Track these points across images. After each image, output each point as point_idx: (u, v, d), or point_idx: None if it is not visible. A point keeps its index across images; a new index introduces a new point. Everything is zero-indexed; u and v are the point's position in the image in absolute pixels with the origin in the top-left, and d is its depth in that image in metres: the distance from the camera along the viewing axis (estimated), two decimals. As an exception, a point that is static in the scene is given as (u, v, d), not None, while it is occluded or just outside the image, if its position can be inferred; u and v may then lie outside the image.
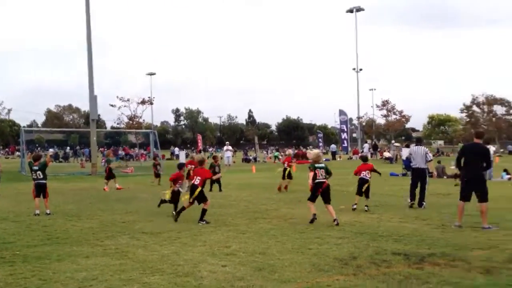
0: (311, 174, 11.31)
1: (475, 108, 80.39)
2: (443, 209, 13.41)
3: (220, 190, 19.48)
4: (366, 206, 13.52)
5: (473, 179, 10.79)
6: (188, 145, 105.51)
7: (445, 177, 26.29)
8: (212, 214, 12.50)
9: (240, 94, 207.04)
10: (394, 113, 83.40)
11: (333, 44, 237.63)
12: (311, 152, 12.45)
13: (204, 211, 11.59)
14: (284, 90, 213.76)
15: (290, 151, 28.32)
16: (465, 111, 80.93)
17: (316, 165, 11.40)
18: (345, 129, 58.91)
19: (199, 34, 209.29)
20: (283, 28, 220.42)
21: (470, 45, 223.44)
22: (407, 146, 33.34)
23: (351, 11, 58.18)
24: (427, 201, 14.13)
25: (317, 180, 11.29)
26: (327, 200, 11.34)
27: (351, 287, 6.28)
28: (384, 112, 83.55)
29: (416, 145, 14.78)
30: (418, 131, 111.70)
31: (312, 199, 11.40)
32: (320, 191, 11.28)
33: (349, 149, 61.41)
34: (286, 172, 19.55)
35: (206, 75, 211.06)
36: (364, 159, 15.10)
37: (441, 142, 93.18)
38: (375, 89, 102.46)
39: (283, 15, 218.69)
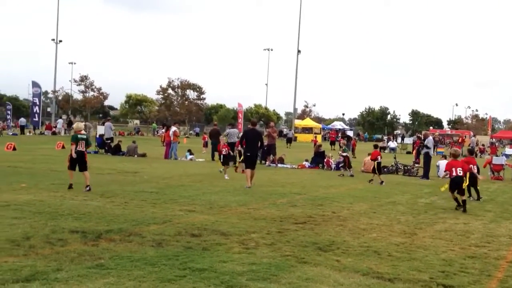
0: (73, 146, 12.76)
1: (170, 91, 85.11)
2: (127, 187, 13.86)
3: None
4: None
5: (253, 155, 15.72)
6: None
7: (136, 156, 27.19)
8: None
9: None
10: (92, 90, 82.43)
11: (31, 11, 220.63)
12: (74, 124, 14.40)
13: None
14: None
15: None
16: (161, 93, 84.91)
17: (79, 136, 12.94)
18: (38, 103, 55.23)
19: None
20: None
21: (170, 30, 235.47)
22: (103, 124, 33.36)
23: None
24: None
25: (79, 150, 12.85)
26: (83, 168, 12.93)
27: (20, 268, 5.95)
28: (82, 87, 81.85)
29: (232, 128, 24.38)
30: (115, 109, 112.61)
31: (71, 167, 12.95)
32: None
33: (41, 123, 58.04)
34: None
35: None
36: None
37: (137, 121, 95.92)
38: (75, 63, 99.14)
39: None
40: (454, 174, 12.85)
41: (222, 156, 18.09)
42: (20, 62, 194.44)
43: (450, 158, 13.72)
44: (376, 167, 18.26)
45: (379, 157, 18.61)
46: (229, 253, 7.13)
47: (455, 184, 12.76)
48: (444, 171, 13.65)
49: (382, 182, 17.78)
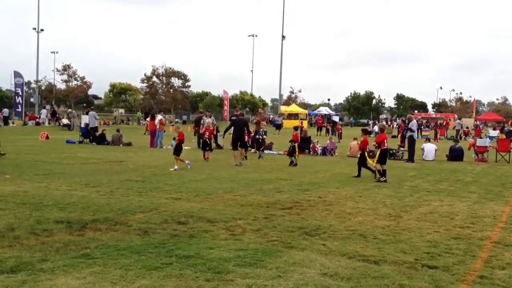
0: None
1: (155, 79, 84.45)
2: (112, 176, 13.78)
3: None
4: None
5: (239, 138, 18.41)
6: None
7: (121, 145, 27.01)
8: None
9: None
10: (76, 79, 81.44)
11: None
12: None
13: None
14: None
15: None
16: (145, 81, 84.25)
17: None
18: (20, 93, 54.52)
19: None
20: None
21: (154, 18, 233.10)
22: (87, 113, 33.06)
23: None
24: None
25: None
26: None
27: (5, 259, 5.90)
28: (65, 77, 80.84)
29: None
30: (100, 98, 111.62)
31: None
32: None
33: (25, 114, 57.31)
34: None
35: None
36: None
37: (122, 110, 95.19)
38: (57, 52, 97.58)
39: None
40: (385, 146, 14.49)
41: (203, 140, 19.77)
42: (0, 52, 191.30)
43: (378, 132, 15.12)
44: (291, 150, 19.08)
45: (298, 140, 19.83)
46: (216, 239, 7.13)
47: (385, 155, 14.39)
48: (376, 143, 14.64)
49: (295, 164, 18.33)
